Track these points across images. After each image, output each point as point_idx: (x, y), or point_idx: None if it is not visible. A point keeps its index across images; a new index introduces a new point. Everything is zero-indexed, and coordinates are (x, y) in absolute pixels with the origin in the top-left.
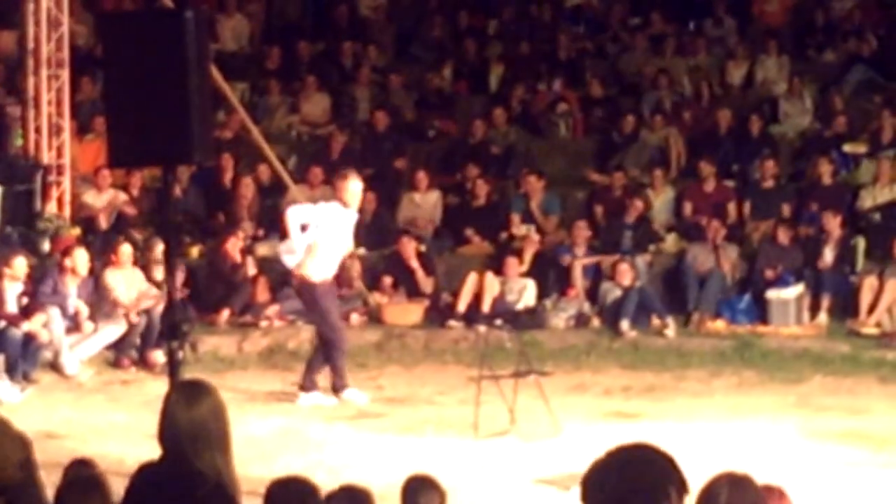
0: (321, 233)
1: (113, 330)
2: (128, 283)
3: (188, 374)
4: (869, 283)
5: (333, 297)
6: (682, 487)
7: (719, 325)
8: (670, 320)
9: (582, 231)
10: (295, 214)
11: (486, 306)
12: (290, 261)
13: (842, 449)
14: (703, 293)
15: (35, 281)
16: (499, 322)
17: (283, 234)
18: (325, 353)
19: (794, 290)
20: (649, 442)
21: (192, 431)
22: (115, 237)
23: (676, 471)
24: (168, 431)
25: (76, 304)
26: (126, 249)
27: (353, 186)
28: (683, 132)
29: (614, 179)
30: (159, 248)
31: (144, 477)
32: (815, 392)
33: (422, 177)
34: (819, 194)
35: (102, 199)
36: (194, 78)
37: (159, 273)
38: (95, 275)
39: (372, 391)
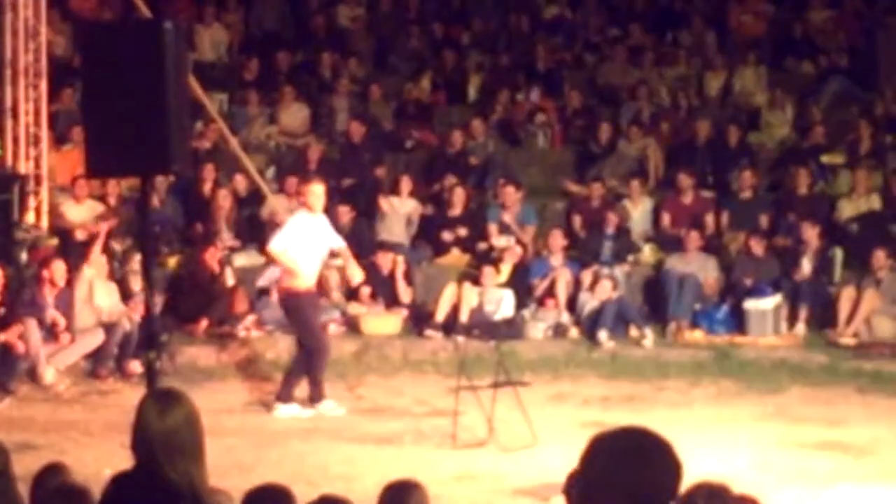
0: (297, 245)
1: (90, 340)
2: (102, 290)
3: (166, 384)
4: (847, 294)
5: (316, 307)
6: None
7: (697, 335)
8: (648, 331)
9: (558, 241)
10: (280, 246)
11: (464, 317)
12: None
13: (820, 459)
14: (678, 301)
15: (12, 292)
16: (477, 332)
17: (261, 249)
18: (307, 363)
19: (772, 301)
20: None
21: (165, 440)
22: (92, 245)
23: (675, 463)
24: (141, 440)
25: (53, 314)
26: (93, 251)
27: (317, 190)
28: (662, 143)
29: (592, 190)
30: (136, 258)
31: (118, 487)
32: (793, 402)
33: (406, 182)
34: (797, 205)
35: (80, 210)
36: (172, 88)
37: (136, 284)
38: (72, 285)
39: (350, 401)
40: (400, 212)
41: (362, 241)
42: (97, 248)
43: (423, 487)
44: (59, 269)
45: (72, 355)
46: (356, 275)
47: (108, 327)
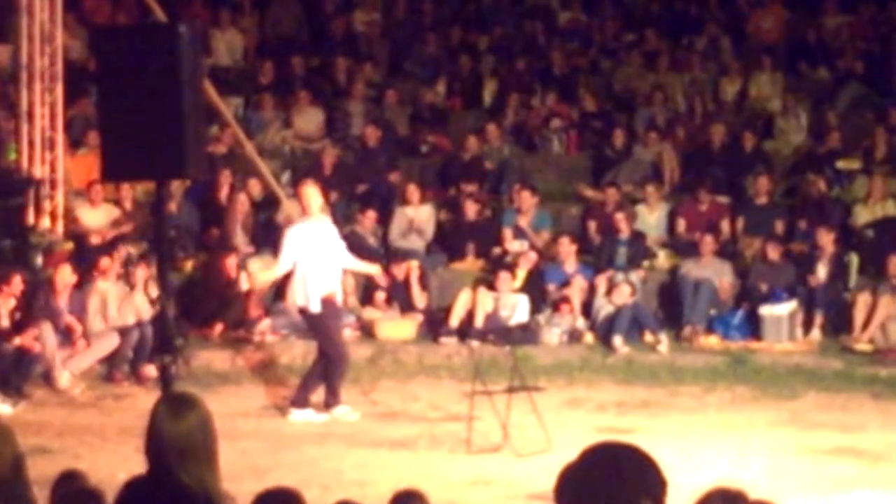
0: (302, 256)
1: (105, 344)
2: (115, 297)
3: (181, 388)
4: (862, 300)
5: (337, 316)
6: (658, 488)
7: (712, 340)
8: (663, 336)
9: (567, 248)
10: (284, 267)
11: (479, 322)
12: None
13: (835, 465)
14: (693, 306)
15: (27, 296)
16: (492, 337)
17: (276, 254)
18: (326, 370)
19: (788, 307)
20: (625, 441)
21: (179, 444)
22: (105, 251)
23: (652, 468)
24: (154, 444)
25: (68, 318)
26: (105, 263)
27: (308, 191)
28: (677, 148)
29: (608, 195)
30: (152, 263)
31: (131, 492)
32: (809, 408)
33: (413, 190)
34: (812, 211)
35: (95, 214)
36: (188, 92)
37: (153, 289)
38: (84, 289)
39: (365, 406)
40: (415, 219)
41: (377, 246)
42: (115, 266)
43: (425, 497)
44: (64, 273)
45: (87, 359)
46: (373, 269)
47: (123, 331)
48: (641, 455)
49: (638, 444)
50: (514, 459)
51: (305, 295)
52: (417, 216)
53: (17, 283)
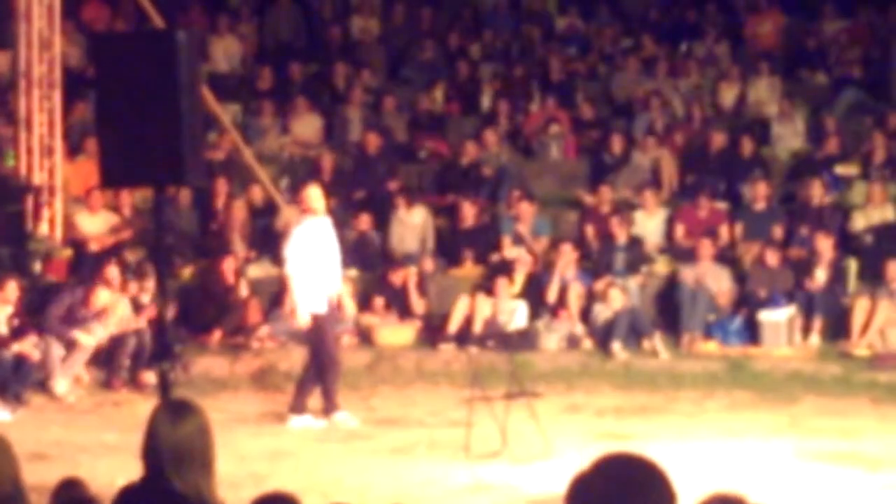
0: (309, 253)
1: (87, 339)
2: (112, 302)
3: (179, 395)
4: (861, 305)
5: (331, 320)
6: (668, 502)
7: (711, 346)
8: (659, 343)
9: (568, 256)
10: (293, 268)
11: (477, 328)
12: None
13: (834, 470)
14: (691, 312)
15: (26, 303)
16: (490, 343)
17: (276, 261)
18: (318, 375)
19: (786, 312)
20: (637, 452)
21: (176, 450)
22: (107, 258)
23: (664, 481)
24: (151, 449)
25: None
26: (113, 272)
27: (313, 192)
28: (675, 153)
29: (601, 195)
30: (150, 269)
31: (126, 499)
32: (807, 413)
33: (400, 199)
34: (811, 216)
35: (94, 221)
36: (186, 99)
37: (145, 296)
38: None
39: (364, 412)
40: (409, 224)
41: (375, 253)
42: (111, 269)
43: None
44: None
45: (77, 361)
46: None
47: (121, 338)
48: (653, 467)
49: (651, 457)
50: (513, 465)
51: (310, 295)
52: (409, 220)
53: (12, 289)
